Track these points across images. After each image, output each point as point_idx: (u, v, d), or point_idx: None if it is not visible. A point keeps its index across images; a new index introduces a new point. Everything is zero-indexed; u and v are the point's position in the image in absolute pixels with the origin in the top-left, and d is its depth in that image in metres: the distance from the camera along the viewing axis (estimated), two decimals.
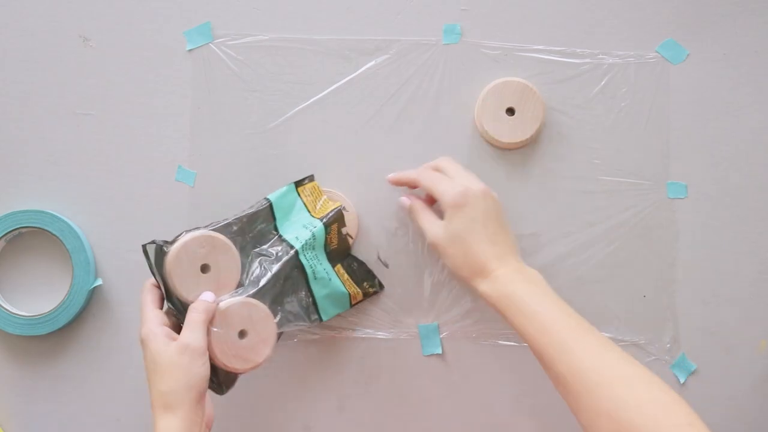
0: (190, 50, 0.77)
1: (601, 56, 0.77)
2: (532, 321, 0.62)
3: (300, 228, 0.71)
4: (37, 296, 0.76)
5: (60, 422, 0.76)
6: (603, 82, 0.77)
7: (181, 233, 0.66)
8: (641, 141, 0.77)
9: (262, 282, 0.67)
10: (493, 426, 0.77)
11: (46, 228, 0.74)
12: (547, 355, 0.61)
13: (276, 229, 0.71)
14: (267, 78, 0.77)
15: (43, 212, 0.74)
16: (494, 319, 0.74)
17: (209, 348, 0.63)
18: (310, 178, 0.73)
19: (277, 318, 0.68)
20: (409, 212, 0.73)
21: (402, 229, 0.77)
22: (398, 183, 0.73)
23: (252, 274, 0.68)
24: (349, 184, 0.77)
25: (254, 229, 0.70)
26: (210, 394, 0.65)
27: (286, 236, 0.71)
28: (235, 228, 0.69)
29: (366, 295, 0.74)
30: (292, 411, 0.76)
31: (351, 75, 0.77)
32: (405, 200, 0.73)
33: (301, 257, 0.69)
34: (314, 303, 0.71)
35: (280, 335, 0.69)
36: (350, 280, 0.73)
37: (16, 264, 0.76)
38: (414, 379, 0.77)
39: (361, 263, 0.74)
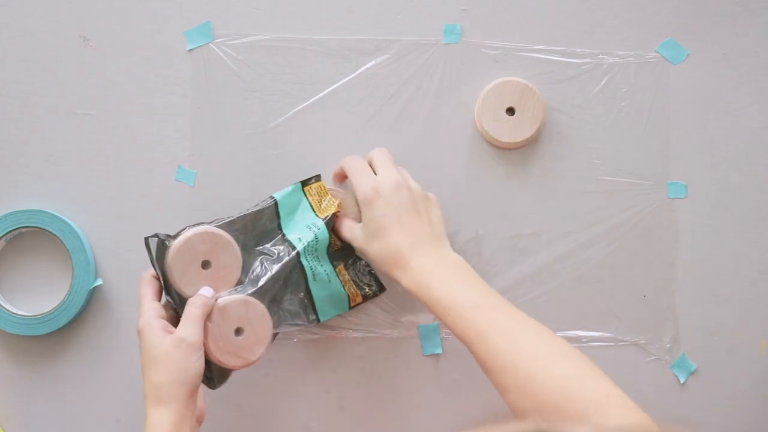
0: (190, 50, 0.77)
1: (601, 56, 0.77)
2: (448, 309, 0.63)
3: (303, 228, 0.71)
4: (37, 296, 0.76)
5: (60, 422, 0.76)
6: (603, 82, 0.77)
7: (185, 228, 0.66)
8: (641, 141, 0.77)
9: (262, 281, 0.67)
10: (493, 426, 0.77)
11: (46, 228, 0.74)
12: (467, 341, 0.61)
13: (280, 227, 0.71)
14: (267, 78, 0.77)
15: (43, 212, 0.74)
16: None
17: (204, 343, 0.63)
18: (317, 178, 0.73)
19: (275, 317, 0.68)
20: (338, 221, 0.72)
21: None
22: (337, 177, 0.73)
23: (252, 273, 0.68)
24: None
25: (258, 227, 0.70)
26: (203, 389, 0.65)
27: (289, 236, 0.71)
28: (238, 225, 0.69)
29: (365, 298, 0.74)
30: (292, 411, 0.76)
31: (351, 75, 0.77)
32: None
33: (302, 259, 0.69)
34: (312, 304, 0.71)
35: (276, 335, 0.69)
36: (351, 281, 0.73)
37: (16, 264, 0.76)
38: (414, 379, 0.77)
39: (365, 264, 0.74)
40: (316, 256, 0.71)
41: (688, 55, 0.78)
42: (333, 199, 0.73)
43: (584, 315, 0.77)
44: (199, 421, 0.65)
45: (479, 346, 0.61)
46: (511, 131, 0.75)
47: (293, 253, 0.69)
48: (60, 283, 0.75)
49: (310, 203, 0.72)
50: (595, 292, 0.77)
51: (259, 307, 0.66)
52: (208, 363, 0.64)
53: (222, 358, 0.65)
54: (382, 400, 0.77)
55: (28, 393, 0.76)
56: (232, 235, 0.67)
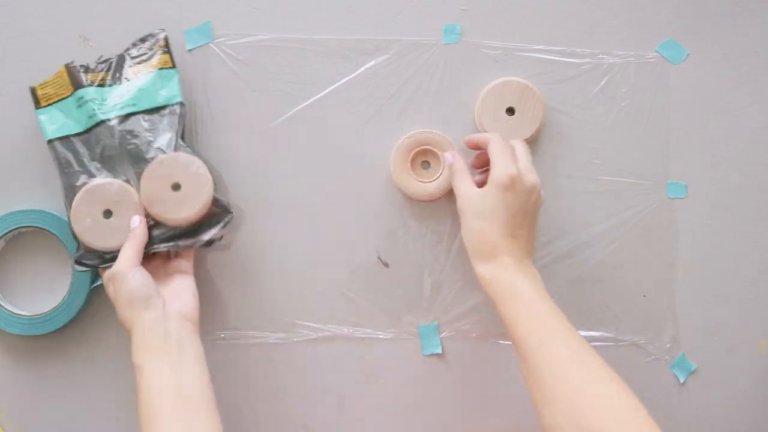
0: (190, 50, 0.77)
1: (601, 56, 0.77)
2: (525, 309, 0.63)
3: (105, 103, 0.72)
4: (37, 296, 0.76)
5: (60, 422, 0.76)
6: (603, 82, 0.77)
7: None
8: (641, 141, 0.77)
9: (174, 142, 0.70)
10: (493, 426, 0.77)
11: (46, 228, 0.74)
12: (529, 344, 0.61)
13: (96, 123, 0.71)
14: (267, 78, 0.77)
15: (43, 212, 0.74)
16: (494, 318, 0.74)
17: (146, 200, 0.68)
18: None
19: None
20: (449, 169, 0.72)
21: (402, 229, 0.77)
22: (471, 144, 0.73)
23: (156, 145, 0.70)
24: (348, 183, 0.77)
25: (100, 147, 0.70)
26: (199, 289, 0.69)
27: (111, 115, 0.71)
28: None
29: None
30: (292, 411, 0.76)
31: (351, 75, 0.77)
32: (449, 156, 0.72)
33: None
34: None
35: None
36: None
37: (16, 264, 0.76)
38: (414, 379, 0.77)
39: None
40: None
41: (688, 55, 0.78)
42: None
43: (584, 315, 0.77)
44: (192, 319, 0.67)
45: (542, 353, 0.61)
46: (511, 131, 0.75)
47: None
48: (60, 283, 0.75)
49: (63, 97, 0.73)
50: (595, 291, 0.77)
51: (197, 162, 0.69)
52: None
53: (163, 214, 0.68)
54: (382, 400, 0.77)
55: (29, 393, 0.76)
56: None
